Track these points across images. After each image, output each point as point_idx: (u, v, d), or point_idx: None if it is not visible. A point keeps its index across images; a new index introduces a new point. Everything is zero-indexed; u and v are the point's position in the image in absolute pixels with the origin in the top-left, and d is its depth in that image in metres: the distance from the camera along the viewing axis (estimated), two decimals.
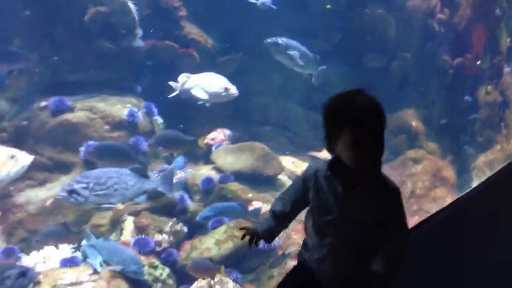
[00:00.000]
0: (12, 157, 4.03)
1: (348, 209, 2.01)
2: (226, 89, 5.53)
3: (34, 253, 4.51)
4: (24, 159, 4.11)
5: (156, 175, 4.88)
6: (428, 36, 7.48)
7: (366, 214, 1.99)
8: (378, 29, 7.11)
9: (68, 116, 5.51)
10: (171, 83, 5.65)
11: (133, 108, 5.79)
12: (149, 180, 4.46)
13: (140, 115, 5.75)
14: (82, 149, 5.28)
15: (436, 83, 7.63)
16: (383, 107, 1.91)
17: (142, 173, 4.45)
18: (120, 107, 5.75)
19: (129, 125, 5.67)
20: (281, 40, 5.93)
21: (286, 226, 2.24)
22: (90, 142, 5.31)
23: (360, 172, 1.96)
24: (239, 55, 6.85)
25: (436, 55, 7.56)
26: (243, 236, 2.20)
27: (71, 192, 4.07)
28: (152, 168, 5.65)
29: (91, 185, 4.10)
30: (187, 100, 5.68)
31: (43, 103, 5.54)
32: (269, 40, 5.95)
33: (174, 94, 5.62)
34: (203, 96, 5.52)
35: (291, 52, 5.88)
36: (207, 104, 5.55)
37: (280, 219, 2.19)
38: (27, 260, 4.37)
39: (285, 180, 5.89)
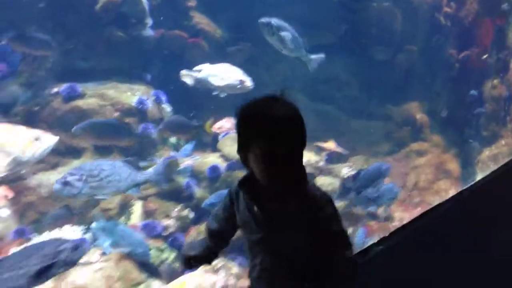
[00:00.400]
0: (37, 139, 4.13)
1: (269, 229, 1.84)
2: (241, 81, 5.62)
3: (45, 234, 4.65)
4: (49, 140, 4.21)
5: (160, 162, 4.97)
6: (435, 29, 7.53)
7: (291, 233, 1.82)
8: (384, 21, 7.17)
9: (79, 102, 5.66)
10: (185, 71, 5.72)
11: (143, 95, 5.92)
12: (142, 172, 4.52)
13: (149, 102, 5.88)
14: None
15: (441, 76, 7.69)
16: (302, 117, 1.74)
17: (136, 165, 4.55)
18: (130, 95, 5.88)
19: (138, 112, 5.81)
20: (273, 21, 5.91)
21: (226, 244, 2.09)
22: None
23: (273, 189, 1.80)
24: (248, 45, 6.93)
25: (442, 49, 7.62)
26: (187, 266, 2.07)
27: (65, 184, 4.14)
28: (161, 154, 5.79)
29: (84, 177, 4.17)
30: (198, 89, 5.78)
31: (55, 89, 5.68)
32: (262, 20, 5.94)
33: (191, 83, 5.70)
34: (218, 86, 5.61)
35: (282, 33, 5.85)
36: (222, 95, 5.64)
37: (217, 237, 2.05)
38: (39, 240, 4.50)
39: None
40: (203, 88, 5.71)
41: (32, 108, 5.63)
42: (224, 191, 5.22)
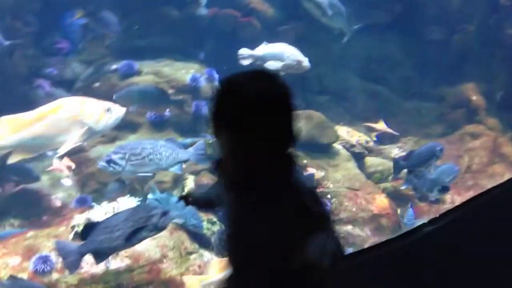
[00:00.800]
0: (108, 110, 4.37)
1: (238, 226, 1.58)
2: (299, 61, 5.64)
3: (105, 203, 4.91)
4: (118, 111, 4.44)
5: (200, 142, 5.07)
6: (492, 9, 7.27)
7: (264, 233, 1.50)
8: (441, 0, 6.99)
9: (136, 79, 5.90)
10: (244, 50, 5.76)
11: (196, 73, 6.07)
12: (183, 151, 4.66)
13: (202, 80, 6.04)
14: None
15: (499, 57, 7.42)
16: (289, 97, 1.49)
17: (178, 144, 4.69)
18: (184, 72, 6.07)
19: (191, 90, 5.97)
20: None
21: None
22: None
23: (245, 182, 1.52)
24: (299, 24, 6.94)
25: (500, 29, 7.33)
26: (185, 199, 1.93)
27: (109, 161, 4.39)
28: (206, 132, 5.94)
29: (127, 155, 4.40)
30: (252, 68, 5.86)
31: (114, 66, 5.94)
32: None
33: (248, 61, 5.75)
34: (276, 66, 5.65)
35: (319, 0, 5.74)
36: (286, 72, 5.67)
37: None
38: (99, 209, 4.76)
39: (340, 149, 6.01)
40: (259, 67, 5.77)
41: (92, 84, 5.89)
42: None
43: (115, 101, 5.12)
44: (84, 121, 4.34)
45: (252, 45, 5.85)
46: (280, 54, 5.68)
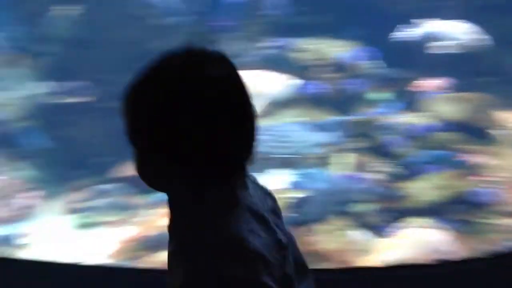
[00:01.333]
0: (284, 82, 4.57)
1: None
2: (475, 40, 5.34)
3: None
4: (289, 83, 4.62)
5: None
6: None
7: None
8: None
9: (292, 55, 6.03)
10: (410, 26, 5.59)
11: (351, 51, 6.04)
12: (319, 134, 4.84)
13: (357, 58, 5.98)
14: None
15: None
16: (241, 95, 1.16)
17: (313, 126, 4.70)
18: (339, 50, 6.06)
19: (346, 68, 5.95)
20: None
21: None
22: None
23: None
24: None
25: None
26: None
27: None
28: (364, 110, 5.86)
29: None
30: (414, 45, 5.66)
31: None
32: None
33: (415, 38, 5.55)
34: (449, 45, 5.41)
35: None
36: (453, 52, 5.43)
37: None
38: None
39: (499, 135, 5.58)
40: (428, 44, 5.55)
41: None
42: (430, 152, 5.20)
43: None
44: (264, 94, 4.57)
45: (410, 23, 5.63)
46: (453, 32, 5.39)
